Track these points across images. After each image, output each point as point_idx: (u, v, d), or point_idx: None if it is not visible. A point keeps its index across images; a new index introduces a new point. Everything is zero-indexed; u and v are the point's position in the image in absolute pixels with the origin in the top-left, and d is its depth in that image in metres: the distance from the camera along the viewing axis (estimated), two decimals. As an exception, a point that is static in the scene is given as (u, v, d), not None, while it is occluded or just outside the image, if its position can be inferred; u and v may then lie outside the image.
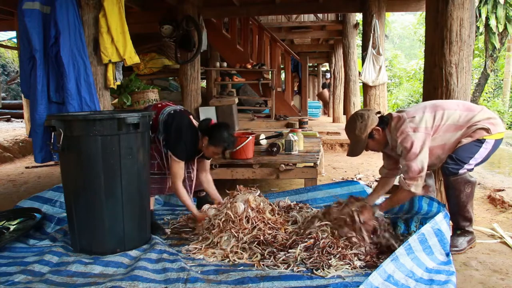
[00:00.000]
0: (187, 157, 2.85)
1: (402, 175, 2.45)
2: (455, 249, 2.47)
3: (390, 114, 2.56)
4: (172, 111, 2.87)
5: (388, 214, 3.12)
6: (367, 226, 2.44)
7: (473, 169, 2.46)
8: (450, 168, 2.42)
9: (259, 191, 2.87)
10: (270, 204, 2.85)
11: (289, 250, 2.39)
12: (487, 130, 2.38)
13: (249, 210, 2.62)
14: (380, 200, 2.76)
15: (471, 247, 2.56)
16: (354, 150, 2.55)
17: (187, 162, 2.95)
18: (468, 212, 2.53)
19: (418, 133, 2.37)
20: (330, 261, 2.26)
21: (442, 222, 2.41)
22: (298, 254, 2.33)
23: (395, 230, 2.67)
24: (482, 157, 2.42)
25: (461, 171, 2.41)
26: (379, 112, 2.59)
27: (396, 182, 2.75)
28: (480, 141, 2.39)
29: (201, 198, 3.35)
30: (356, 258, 2.32)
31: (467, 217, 2.54)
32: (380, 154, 2.80)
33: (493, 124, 2.40)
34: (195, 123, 2.90)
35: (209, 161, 3.11)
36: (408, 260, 2.16)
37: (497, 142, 2.43)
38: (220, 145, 2.78)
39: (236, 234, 2.51)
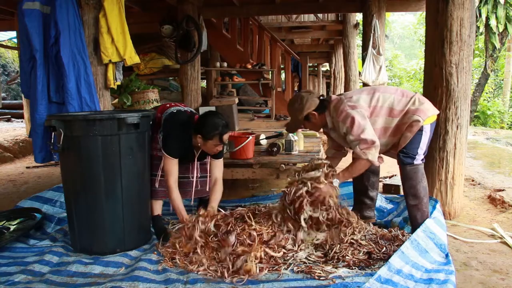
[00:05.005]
0: (181, 154, 2.75)
1: (357, 147, 2.49)
2: None
3: (330, 97, 2.68)
4: (176, 110, 2.83)
5: (392, 215, 3.13)
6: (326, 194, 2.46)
7: (424, 159, 2.62)
8: (404, 160, 2.57)
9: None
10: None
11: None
12: (420, 120, 2.51)
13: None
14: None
15: None
16: (291, 127, 2.82)
17: (185, 163, 2.90)
18: (426, 206, 2.59)
19: (357, 109, 2.49)
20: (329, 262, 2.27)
21: (433, 225, 2.42)
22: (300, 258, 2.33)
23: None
24: (426, 143, 2.58)
25: (415, 162, 2.56)
26: (322, 96, 2.70)
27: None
28: (420, 130, 2.53)
29: (203, 201, 3.35)
30: (355, 258, 2.32)
31: (424, 212, 2.57)
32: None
33: (423, 111, 2.53)
34: None
35: (221, 165, 2.88)
36: (404, 265, 2.16)
37: (432, 125, 2.62)
38: (213, 135, 2.60)
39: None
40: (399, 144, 2.60)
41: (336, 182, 2.49)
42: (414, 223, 2.59)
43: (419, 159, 2.57)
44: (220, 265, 2.26)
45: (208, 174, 3.03)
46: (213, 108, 6.06)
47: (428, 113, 2.54)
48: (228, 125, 2.68)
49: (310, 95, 2.64)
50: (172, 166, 2.69)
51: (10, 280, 2.18)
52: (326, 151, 2.95)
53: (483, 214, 3.28)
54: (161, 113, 2.86)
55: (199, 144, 2.70)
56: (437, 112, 2.66)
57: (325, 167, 2.54)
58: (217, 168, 2.88)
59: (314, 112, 2.61)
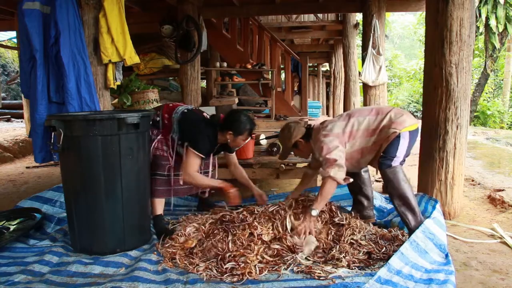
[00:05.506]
0: (208, 152, 2.89)
1: (322, 167, 2.62)
2: None
3: (313, 125, 2.86)
4: (186, 110, 2.92)
5: (391, 215, 3.13)
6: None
7: (403, 161, 2.66)
8: (384, 163, 2.61)
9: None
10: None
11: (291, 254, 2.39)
12: (396, 131, 2.58)
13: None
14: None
15: None
16: (282, 155, 3.01)
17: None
18: (415, 203, 2.60)
19: (329, 137, 2.65)
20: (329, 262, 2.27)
21: (432, 226, 2.41)
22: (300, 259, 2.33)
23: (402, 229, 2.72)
24: (405, 147, 2.62)
25: (393, 164, 2.60)
26: (309, 125, 2.89)
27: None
28: (397, 136, 2.60)
29: (203, 199, 3.35)
30: (355, 258, 2.32)
31: (414, 210, 2.58)
32: None
33: (399, 123, 2.60)
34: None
35: (234, 154, 3.18)
36: (404, 266, 2.16)
37: (412, 133, 2.64)
38: (245, 131, 2.83)
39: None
40: (379, 153, 2.67)
41: (314, 211, 2.56)
42: (408, 224, 2.57)
43: (397, 161, 2.61)
44: (219, 265, 2.26)
45: (211, 169, 3.21)
46: (213, 108, 6.07)
47: (404, 124, 2.60)
48: (254, 121, 2.95)
49: (297, 125, 2.85)
50: (198, 162, 2.83)
51: (10, 280, 2.18)
52: (306, 169, 3.10)
53: (483, 214, 3.29)
54: (168, 114, 2.90)
55: (228, 140, 2.86)
56: (416, 122, 2.68)
57: (290, 210, 2.66)
58: (233, 157, 3.20)
59: (301, 139, 2.80)
